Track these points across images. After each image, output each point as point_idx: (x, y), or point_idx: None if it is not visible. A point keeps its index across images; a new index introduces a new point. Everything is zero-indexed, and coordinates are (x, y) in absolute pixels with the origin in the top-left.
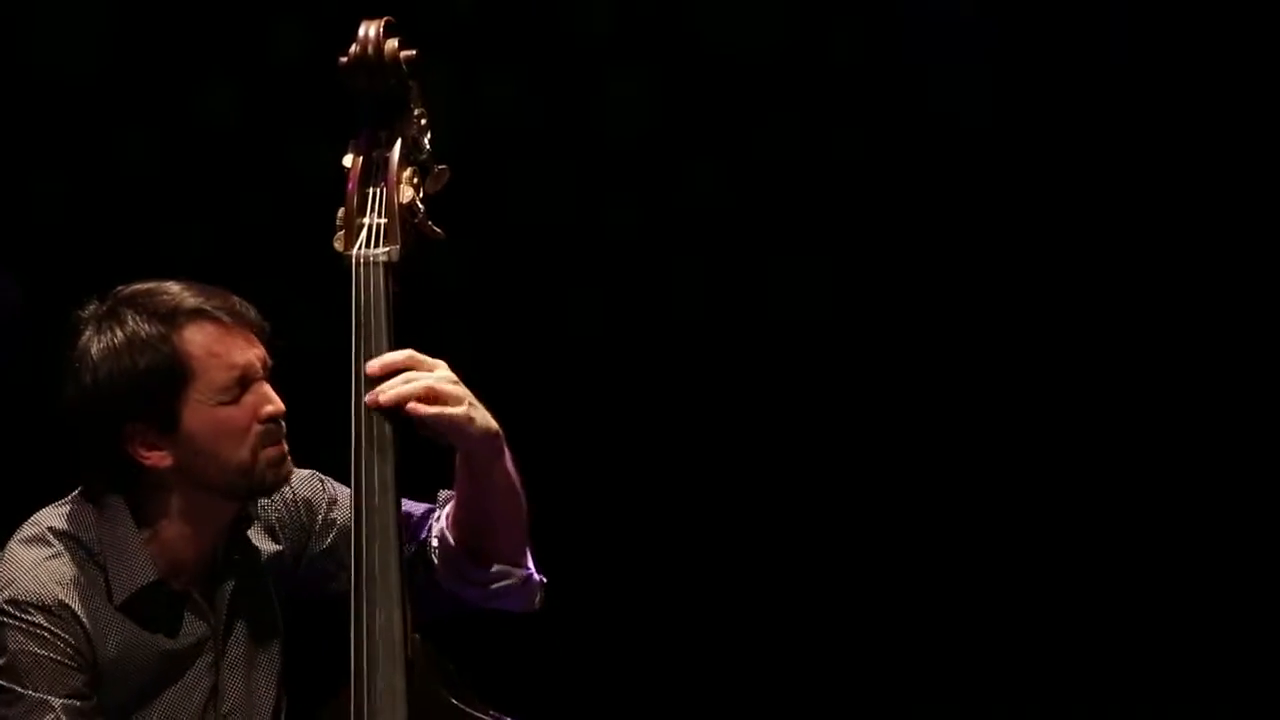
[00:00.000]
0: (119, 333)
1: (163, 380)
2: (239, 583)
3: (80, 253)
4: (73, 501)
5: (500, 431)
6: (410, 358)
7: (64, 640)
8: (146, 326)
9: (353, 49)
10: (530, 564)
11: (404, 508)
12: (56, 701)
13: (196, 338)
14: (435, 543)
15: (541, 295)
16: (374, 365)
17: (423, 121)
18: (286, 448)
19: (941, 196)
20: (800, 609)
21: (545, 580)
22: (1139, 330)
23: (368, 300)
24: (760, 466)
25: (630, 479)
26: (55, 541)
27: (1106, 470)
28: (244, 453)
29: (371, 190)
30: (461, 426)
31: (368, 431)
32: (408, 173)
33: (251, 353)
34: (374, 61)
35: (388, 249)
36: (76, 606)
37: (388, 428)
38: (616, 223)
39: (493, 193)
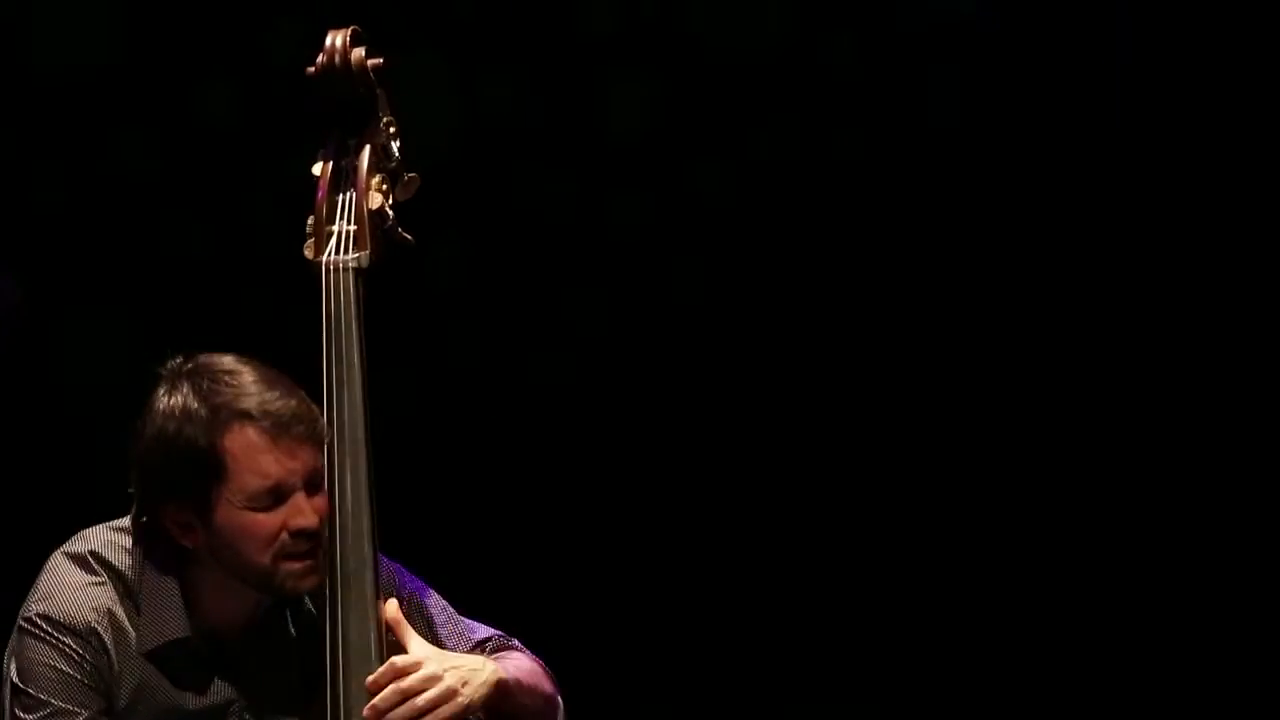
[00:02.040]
0: (173, 403)
1: (197, 468)
2: (275, 649)
3: (80, 253)
4: (127, 533)
5: (492, 692)
6: (397, 672)
7: (90, 663)
8: (196, 408)
9: (319, 59)
10: None
11: (468, 631)
12: (79, 715)
13: (237, 440)
14: None
15: (543, 295)
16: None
17: (391, 129)
18: (314, 562)
19: (941, 197)
20: (801, 608)
21: None
22: (1140, 331)
23: (337, 307)
24: (762, 464)
25: (633, 477)
26: (98, 569)
27: (1105, 472)
28: (265, 560)
29: (341, 197)
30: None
31: (341, 437)
32: (376, 179)
33: (292, 465)
34: (341, 70)
35: (357, 255)
36: (106, 637)
37: (362, 434)
38: (617, 222)
39: (494, 192)
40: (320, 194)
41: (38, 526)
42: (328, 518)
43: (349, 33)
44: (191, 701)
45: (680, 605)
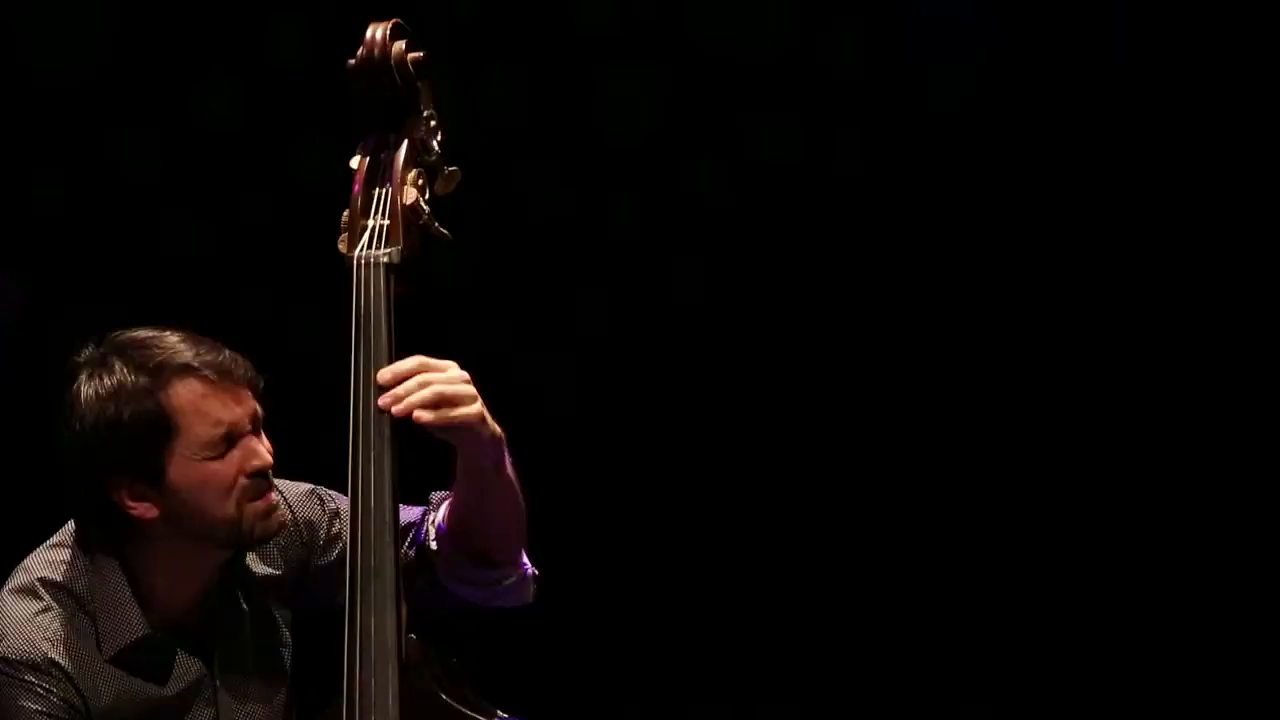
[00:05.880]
0: (107, 382)
1: (147, 434)
2: (235, 617)
3: (80, 253)
4: (64, 547)
5: (503, 438)
6: (421, 364)
7: (57, 694)
8: (133, 379)
9: (360, 52)
10: (525, 561)
11: (407, 511)
12: None
13: (182, 394)
14: (434, 544)
15: (541, 294)
16: (385, 374)
17: (432, 123)
18: (275, 498)
19: (941, 197)
20: (801, 607)
21: (537, 573)
22: (1139, 330)
23: (368, 302)
24: (761, 464)
25: (632, 476)
26: (45, 594)
27: (1106, 471)
28: (229, 507)
29: (377, 192)
30: (472, 428)
31: (365, 433)
32: (413, 174)
33: (239, 409)
34: (381, 64)
35: (389, 250)
36: (65, 663)
37: (386, 430)
38: (617, 222)
39: (493, 192)
40: (356, 188)
41: (38, 527)
42: (350, 516)
43: (390, 25)
44: (167, 689)
45: (680, 604)
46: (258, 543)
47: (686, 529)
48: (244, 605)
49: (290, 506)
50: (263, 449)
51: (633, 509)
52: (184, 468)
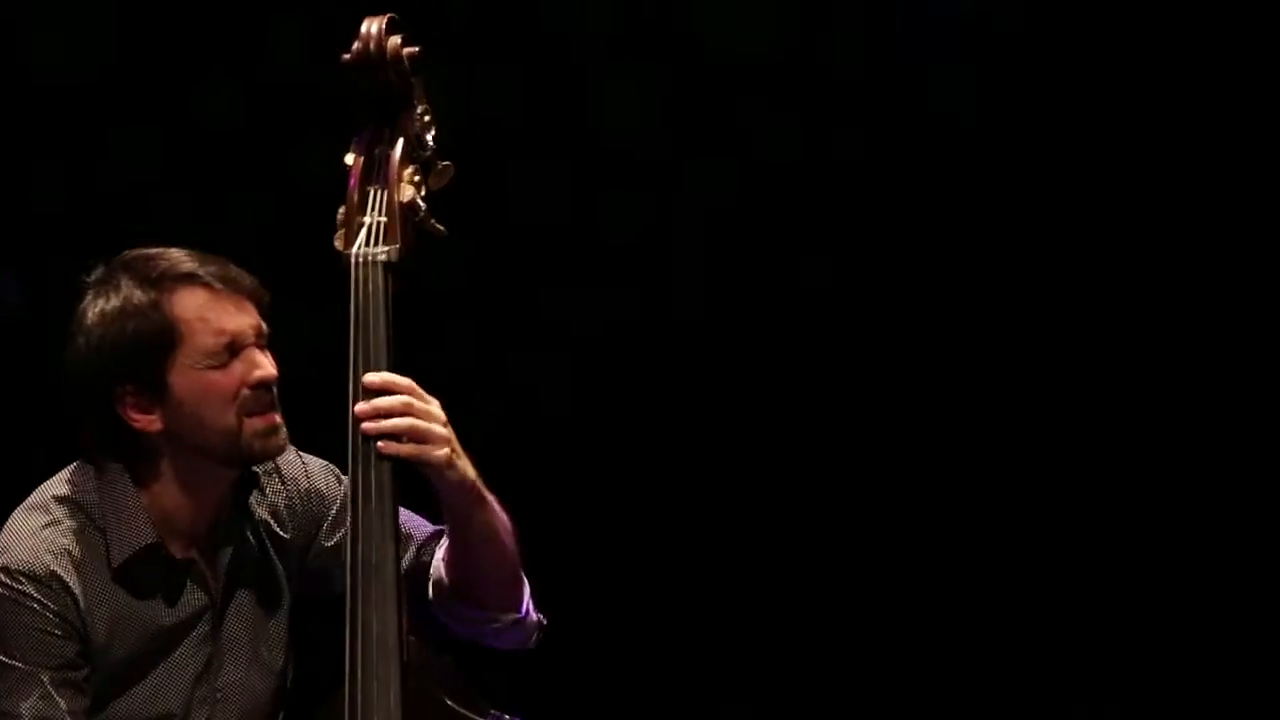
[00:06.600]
0: (113, 298)
1: (151, 344)
2: (240, 554)
3: (80, 253)
4: (74, 467)
5: (476, 483)
6: (410, 387)
7: (53, 611)
8: (138, 292)
9: (355, 46)
10: (524, 606)
11: (419, 526)
12: (45, 674)
13: (186, 302)
14: (432, 573)
15: (539, 295)
16: (374, 379)
17: (426, 118)
18: (278, 419)
19: (941, 197)
20: (800, 609)
21: (544, 621)
22: (1138, 330)
23: (366, 299)
24: (761, 465)
25: (629, 478)
26: (55, 509)
27: (1105, 472)
28: (229, 418)
29: (372, 189)
30: (438, 470)
31: (365, 432)
32: (409, 171)
33: (243, 319)
34: (376, 59)
35: (387, 248)
36: (69, 577)
37: None
38: (615, 223)
39: (490, 192)
40: (351, 184)
41: None
42: (350, 515)
43: (385, 20)
44: (166, 616)
45: (677, 605)
46: (258, 460)
47: (684, 531)
48: (252, 543)
49: (307, 474)
50: (266, 361)
51: (629, 510)
52: (186, 377)
